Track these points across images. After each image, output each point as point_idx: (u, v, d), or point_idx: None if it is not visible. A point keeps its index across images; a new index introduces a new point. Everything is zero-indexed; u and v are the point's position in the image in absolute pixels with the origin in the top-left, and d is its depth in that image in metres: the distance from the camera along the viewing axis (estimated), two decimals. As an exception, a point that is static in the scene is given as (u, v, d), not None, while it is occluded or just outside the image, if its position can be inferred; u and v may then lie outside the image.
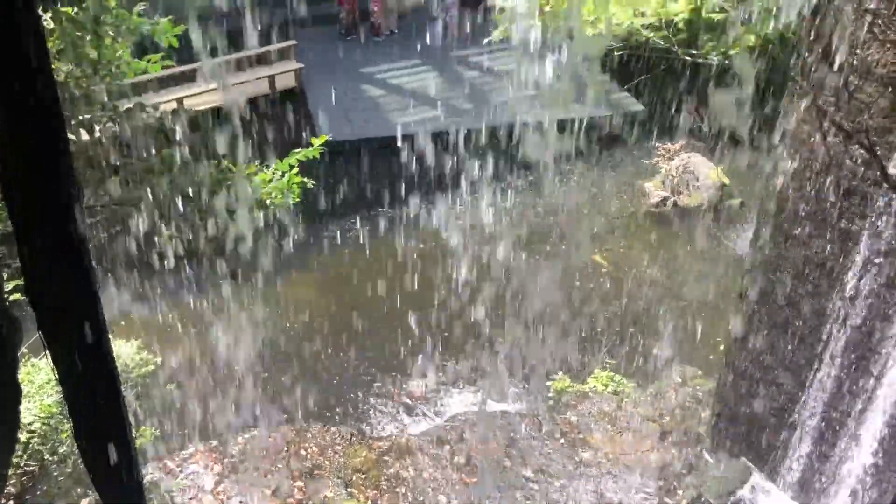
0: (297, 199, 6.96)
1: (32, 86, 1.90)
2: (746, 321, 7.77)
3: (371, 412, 10.44)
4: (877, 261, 6.23)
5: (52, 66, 2.55)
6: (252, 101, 15.90)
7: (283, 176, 6.95)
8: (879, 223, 6.11)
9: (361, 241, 13.98)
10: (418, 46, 18.37)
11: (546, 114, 15.43)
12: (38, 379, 7.49)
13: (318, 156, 7.43)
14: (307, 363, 11.03)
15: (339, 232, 14.13)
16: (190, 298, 11.20)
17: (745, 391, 7.98)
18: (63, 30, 4.88)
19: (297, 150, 7.33)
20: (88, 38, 5.06)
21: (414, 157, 14.43)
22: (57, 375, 2.45)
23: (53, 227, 2.06)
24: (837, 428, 7.09)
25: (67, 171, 2.11)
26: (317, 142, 7.58)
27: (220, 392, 9.90)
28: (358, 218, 14.52)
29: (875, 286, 6.31)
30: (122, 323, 10.56)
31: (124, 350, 8.36)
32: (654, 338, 11.50)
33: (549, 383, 10.51)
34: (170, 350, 10.19)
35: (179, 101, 14.25)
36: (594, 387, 10.26)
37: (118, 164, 5.99)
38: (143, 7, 5.79)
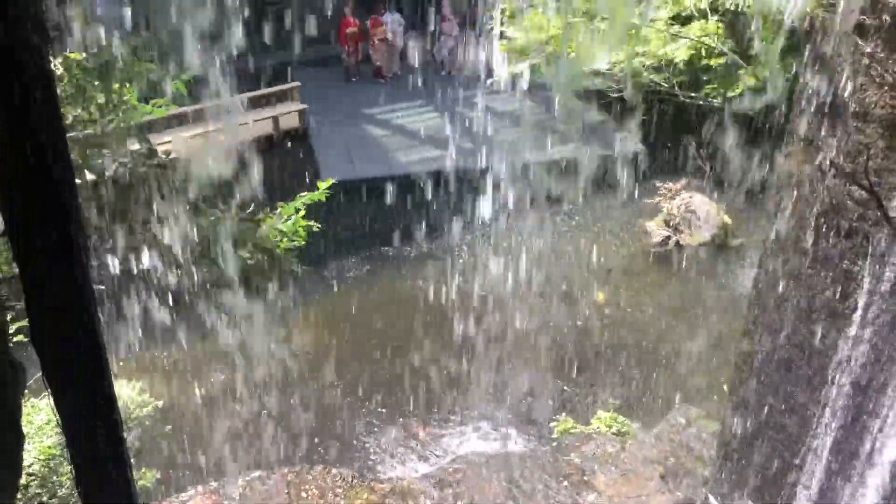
0: (303, 242, 7.00)
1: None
2: (749, 362, 7.74)
3: (373, 454, 10.36)
4: (880, 302, 6.22)
5: (61, 110, 2.58)
6: (256, 142, 16.04)
7: (288, 219, 7.00)
8: (882, 264, 6.12)
9: (363, 281, 14.00)
10: (420, 87, 18.58)
11: (547, 153, 15.56)
12: (38, 420, 7.45)
13: (323, 198, 7.48)
14: (308, 404, 10.97)
15: (340, 271, 14.15)
16: (192, 340, 11.17)
17: (750, 433, 7.91)
18: (72, 76, 4.96)
19: (302, 194, 7.38)
20: (97, 83, 5.15)
21: (416, 197, 14.52)
22: (58, 417, 2.44)
23: (61, 274, 2.08)
24: (845, 471, 7.02)
25: (76, 214, 2.12)
26: (323, 185, 7.65)
27: (220, 433, 9.84)
28: (360, 257, 14.55)
29: (879, 328, 6.29)
30: (122, 364, 10.53)
31: (125, 391, 8.33)
32: (658, 378, 11.44)
33: (552, 424, 10.43)
34: (170, 391, 10.15)
35: (184, 141, 14.36)
36: (597, 428, 10.18)
37: (123, 207, 6.03)
38: (151, 54, 5.89)
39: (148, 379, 9.53)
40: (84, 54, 5.20)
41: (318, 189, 7.61)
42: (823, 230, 6.64)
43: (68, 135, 3.15)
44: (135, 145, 6.03)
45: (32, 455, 7.05)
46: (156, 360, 11.18)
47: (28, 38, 1.87)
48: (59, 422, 2.45)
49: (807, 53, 6.83)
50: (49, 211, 2.07)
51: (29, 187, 2.02)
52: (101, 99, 5.31)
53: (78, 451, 2.55)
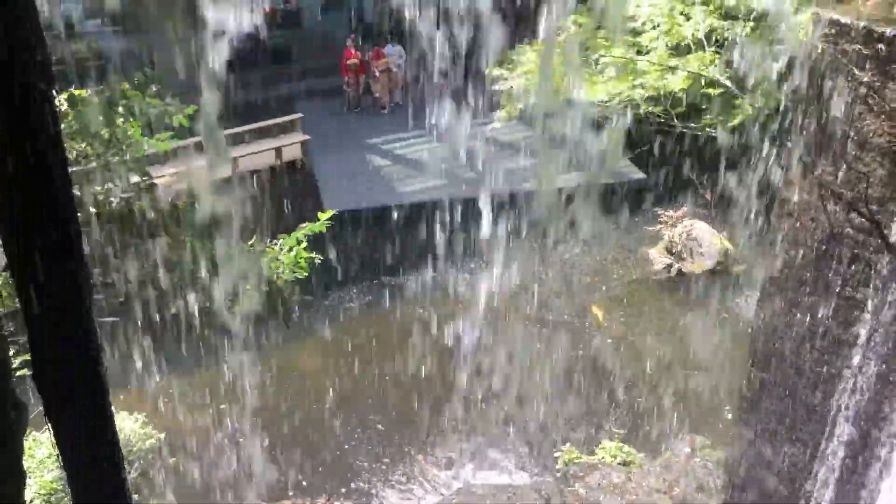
0: (305, 274, 7.01)
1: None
2: (754, 390, 7.70)
3: (377, 485, 10.27)
4: (884, 330, 6.20)
5: (65, 145, 2.61)
6: (259, 173, 16.15)
7: (290, 251, 7.01)
8: (884, 292, 6.11)
9: (365, 311, 13.98)
10: (421, 119, 18.72)
11: (548, 182, 15.61)
12: (39, 454, 7.41)
13: (324, 229, 7.50)
14: (311, 435, 10.91)
15: (342, 301, 14.14)
16: (193, 371, 11.16)
17: (756, 461, 7.84)
18: (77, 112, 5.01)
19: (303, 225, 7.40)
20: (101, 118, 5.20)
21: (416, 226, 14.55)
22: (59, 452, 2.43)
23: (65, 314, 2.08)
24: (852, 501, 6.94)
25: (81, 264, 2.13)
26: (323, 216, 7.67)
27: (221, 466, 9.78)
28: (361, 287, 14.54)
29: (883, 355, 6.26)
30: (122, 397, 10.49)
31: (127, 424, 8.29)
32: (663, 406, 11.37)
33: (557, 454, 10.35)
34: (171, 423, 10.10)
35: (186, 173, 14.43)
36: (602, 458, 10.10)
37: (123, 239, 6.05)
38: (155, 88, 5.96)
39: (150, 411, 9.49)
40: (88, 90, 5.25)
41: (318, 220, 7.64)
42: (825, 258, 6.64)
43: (71, 169, 3.16)
44: (136, 178, 6.07)
45: (33, 490, 7.00)
46: (157, 391, 11.14)
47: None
48: (60, 456, 2.44)
49: (804, 83, 6.89)
50: (49, 239, 2.09)
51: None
52: (105, 134, 5.36)
53: (79, 485, 2.54)
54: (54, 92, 2.00)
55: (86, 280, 2.19)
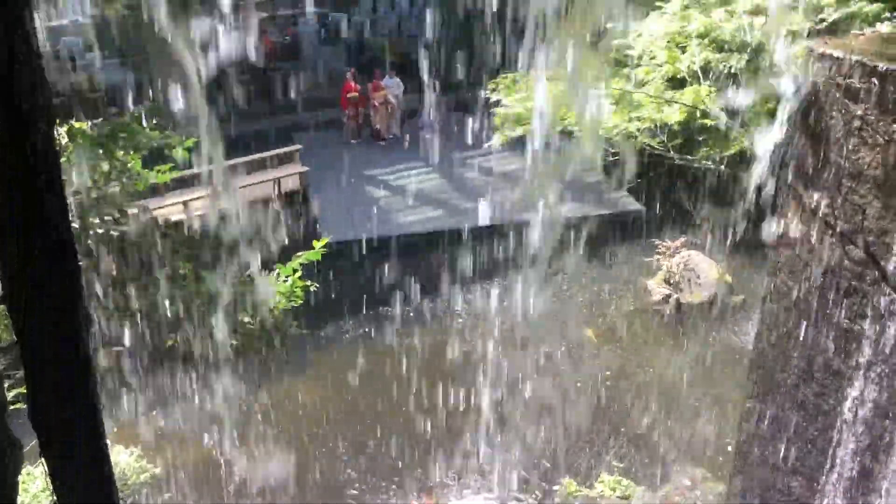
0: (301, 302, 7.00)
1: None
2: (753, 422, 7.66)
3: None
4: (883, 362, 6.19)
5: (64, 178, 2.61)
6: (258, 203, 16.18)
7: (286, 280, 7.02)
8: (883, 324, 6.11)
9: (361, 341, 13.92)
10: (420, 149, 18.83)
11: (545, 213, 15.65)
12: (33, 488, 7.34)
13: (319, 258, 7.51)
14: (307, 465, 10.81)
15: (337, 331, 14.10)
16: (190, 403, 11.08)
17: (757, 495, 7.78)
18: (77, 146, 5.04)
19: (299, 254, 7.41)
20: (101, 151, 5.23)
21: (414, 256, 14.56)
22: (53, 489, 2.41)
23: (61, 348, 2.08)
24: (854, 534, 6.88)
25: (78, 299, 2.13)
26: (318, 244, 7.68)
27: (215, 498, 9.68)
28: (357, 317, 14.50)
29: (883, 388, 6.25)
30: (115, 430, 10.40)
31: (122, 458, 8.22)
32: (662, 439, 11.29)
33: (555, 488, 10.26)
34: (166, 456, 10.02)
35: (186, 204, 14.50)
36: (602, 491, 10.01)
37: (123, 272, 6.06)
38: (156, 120, 6.00)
39: (144, 445, 9.42)
40: (89, 123, 5.29)
41: (314, 249, 7.65)
42: (822, 290, 6.65)
43: (70, 199, 3.16)
44: (134, 210, 6.09)
45: (26, 524, 6.93)
46: (152, 424, 11.06)
47: (30, 81, 1.90)
48: (55, 493, 2.42)
49: (799, 116, 6.95)
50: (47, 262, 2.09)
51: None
52: (105, 166, 5.39)
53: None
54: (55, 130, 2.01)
55: (83, 315, 2.18)
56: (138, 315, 6.08)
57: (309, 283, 7.22)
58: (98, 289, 5.79)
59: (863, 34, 8.03)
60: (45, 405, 2.15)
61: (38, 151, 1.95)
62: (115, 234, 5.89)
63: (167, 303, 5.91)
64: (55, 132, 2.13)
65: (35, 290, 2.10)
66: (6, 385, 4.85)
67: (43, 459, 2.32)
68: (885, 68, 5.91)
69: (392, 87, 20.69)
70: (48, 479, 2.38)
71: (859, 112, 6.14)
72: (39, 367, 2.17)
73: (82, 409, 2.22)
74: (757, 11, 10.67)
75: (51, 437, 2.27)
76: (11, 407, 5.06)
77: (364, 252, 15.42)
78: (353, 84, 20.39)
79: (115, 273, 5.76)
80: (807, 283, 6.83)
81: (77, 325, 2.09)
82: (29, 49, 1.89)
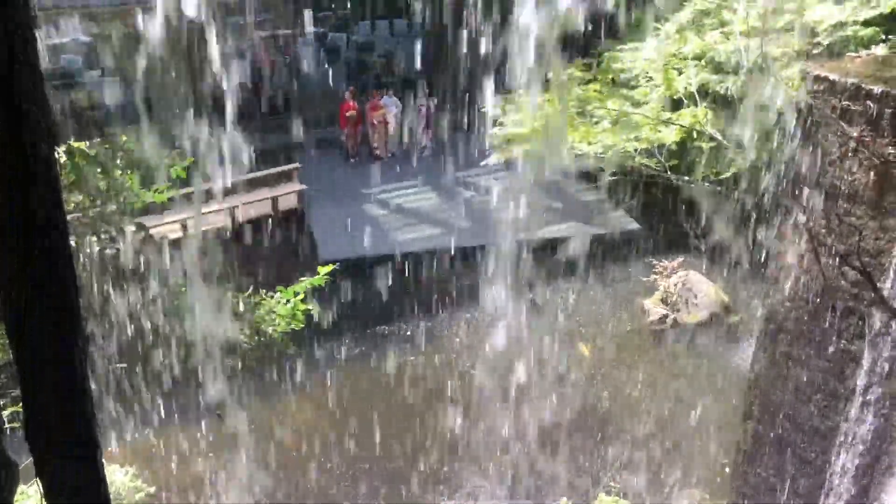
0: (301, 326, 6.99)
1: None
2: (751, 443, 7.64)
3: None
4: (880, 383, 6.18)
5: (64, 197, 2.62)
6: (255, 222, 16.21)
7: (287, 303, 7.02)
8: (879, 345, 6.11)
9: (358, 361, 13.88)
10: (418, 168, 18.89)
11: (543, 231, 15.69)
12: (28, 508, 7.28)
13: (322, 283, 7.52)
14: (305, 490, 10.74)
15: (334, 351, 14.05)
16: (186, 423, 11.04)
17: (755, 517, 7.74)
18: (75, 164, 5.06)
19: (303, 279, 7.41)
20: (99, 171, 5.25)
21: (411, 275, 14.55)
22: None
23: (59, 369, 2.08)
24: (852, 557, 6.84)
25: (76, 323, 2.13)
26: (323, 270, 7.68)
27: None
28: (354, 337, 14.47)
29: (880, 408, 6.24)
30: (111, 450, 10.35)
31: (118, 477, 8.17)
32: (660, 459, 11.25)
33: (553, 508, 10.21)
34: (162, 476, 9.96)
35: (183, 223, 14.49)
36: (599, 512, 9.96)
37: (117, 288, 6.05)
38: (154, 139, 6.02)
39: (139, 463, 9.36)
40: (87, 142, 5.31)
41: (317, 271, 7.65)
42: (819, 310, 6.66)
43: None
44: (131, 228, 6.09)
45: (20, 545, 6.86)
46: (148, 443, 11.00)
47: (34, 105, 1.91)
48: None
49: (796, 137, 6.99)
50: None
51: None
52: (102, 185, 5.40)
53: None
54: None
55: (81, 334, 2.18)
56: (134, 334, 6.07)
57: (310, 307, 7.22)
58: (95, 307, 5.78)
59: (858, 57, 8.10)
60: (41, 423, 2.15)
61: (38, 153, 1.96)
62: (111, 252, 5.89)
63: (164, 322, 5.90)
64: (55, 140, 2.14)
65: (32, 305, 2.10)
66: (2, 403, 4.83)
67: (38, 479, 2.31)
68: (880, 91, 5.96)
69: (390, 106, 20.79)
70: (43, 499, 2.37)
71: (855, 134, 6.18)
72: (36, 386, 2.17)
73: (78, 428, 2.21)
74: (752, 33, 10.75)
75: (46, 456, 2.26)
76: (8, 425, 5.04)
77: (362, 270, 15.43)
78: (351, 103, 20.49)
79: (111, 291, 5.76)
80: (804, 303, 6.84)
81: (74, 344, 2.09)
82: (29, 49, 1.90)
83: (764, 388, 7.38)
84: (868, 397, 6.31)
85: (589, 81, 11.42)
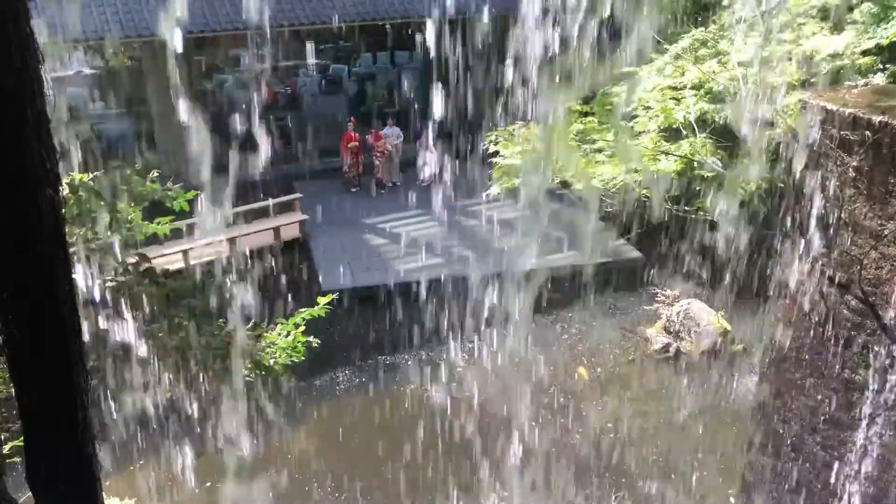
0: (301, 358, 6.97)
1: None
2: (755, 474, 7.57)
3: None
4: (885, 413, 6.15)
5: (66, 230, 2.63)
6: (257, 252, 16.24)
7: (288, 335, 7.01)
8: (884, 374, 6.08)
9: (357, 391, 13.81)
10: (420, 198, 18.95)
11: (545, 261, 15.69)
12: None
13: (324, 314, 7.50)
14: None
15: (334, 381, 13.99)
16: (186, 454, 10.95)
17: (762, 550, 7.65)
18: (78, 198, 5.08)
19: (302, 310, 7.41)
20: (102, 203, 5.27)
21: (413, 305, 14.52)
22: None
23: (60, 412, 2.07)
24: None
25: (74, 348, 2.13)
26: (322, 300, 7.68)
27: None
28: (355, 367, 14.41)
29: (885, 438, 6.19)
30: (108, 483, 10.26)
31: (117, 510, 8.10)
32: (664, 490, 11.14)
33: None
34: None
35: (185, 253, 14.53)
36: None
37: (119, 318, 6.04)
38: (157, 173, 6.06)
39: (139, 496, 9.27)
40: (90, 174, 5.34)
41: (317, 303, 7.65)
42: (822, 339, 6.63)
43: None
44: (133, 259, 6.10)
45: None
46: (148, 475, 10.92)
47: (39, 151, 1.93)
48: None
49: (795, 167, 7.02)
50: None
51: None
52: (105, 218, 5.43)
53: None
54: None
55: (83, 371, 2.18)
56: (135, 366, 6.05)
57: (311, 338, 7.20)
58: (95, 340, 5.77)
59: (856, 86, 8.16)
60: (41, 460, 2.14)
61: (43, 195, 1.98)
62: (113, 284, 5.89)
63: (163, 354, 5.89)
64: (59, 181, 2.15)
65: (34, 342, 2.10)
66: (2, 437, 4.81)
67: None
68: (878, 121, 5.99)
69: (391, 136, 20.93)
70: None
71: (854, 163, 6.20)
72: (36, 424, 2.16)
73: (78, 465, 2.21)
74: (750, 63, 10.84)
75: (46, 492, 2.25)
76: (8, 461, 5.02)
77: (362, 300, 15.41)
78: (353, 134, 20.63)
79: (110, 324, 5.75)
80: (807, 332, 6.82)
81: (76, 381, 2.08)
82: (36, 95, 1.93)
83: (767, 418, 7.33)
84: (874, 428, 6.27)
85: (587, 114, 11.50)
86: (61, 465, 2.12)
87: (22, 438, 2.26)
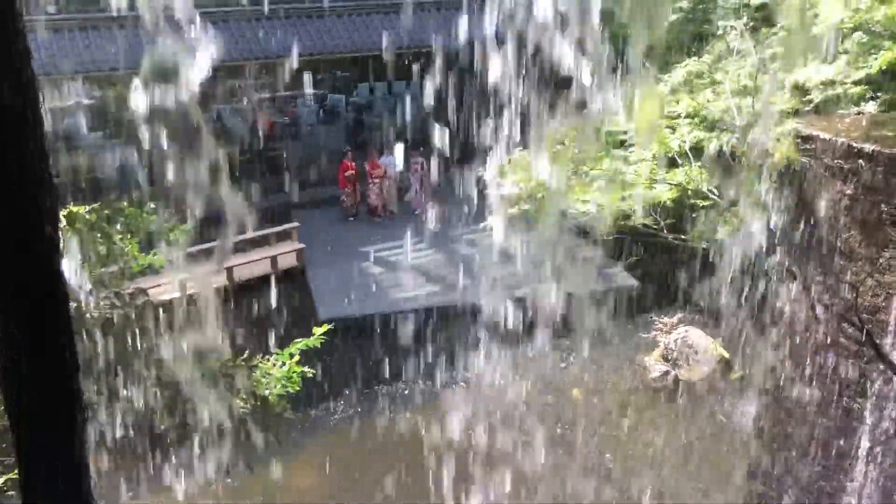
0: (297, 389, 6.93)
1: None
2: (755, 503, 7.52)
3: None
4: (884, 442, 6.13)
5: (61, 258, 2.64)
6: (254, 281, 16.22)
7: (283, 365, 6.97)
8: (882, 403, 6.07)
9: (354, 422, 13.72)
10: (417, 226, 18.99)
11: (542, 289, 15.67)
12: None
13: (319, 344, 7.48)
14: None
15: (330, 411, 13.90)
16: (179, 488, 10.83)
17: (763, 581, 7.57)
18: (75, 230, 5.09)
19: (297, 340, 7.38)
20: (99, 236, 5.28)
21: (409, 333, 14.49)
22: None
23: (58, 450, 2.07)
24: None
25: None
26: (318, 331, 7.66)
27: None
28: (352, 396, 14.33)
29: (886, 468, 6.16)
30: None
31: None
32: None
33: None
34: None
35: (181, 283, 14.48)
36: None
37: (115, 350, 6.02)
38: (153, 205, 6.07)
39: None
40: (87, 207, 5.36)
41: (313, 333, 7.62)
42: (820, 368, 6.63)
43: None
44: (130, 289, 6.10)
45: None
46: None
47: (38, 192, 1.94)
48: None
49: (790, 195, 7.06)
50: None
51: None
52: (102, 250, 5.43)
53: None
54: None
55: (80, 408, 2.18)
56: (130, 399, 6.02)
57: (307, 368, 7.17)
58: (93, 372, 5.75)
59: (848, 114, 8.24)
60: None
61: (42, 234, 1.99)
62: (110, 316, 5.88)
63: (160, 386, 5.86)
64: (58, 218, 2.17)
65: (30, 379, 2.10)
66: (-4, 472, 4.77)
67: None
68: (870, 150, 6.05)
69: (389, 165, 21.01)
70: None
71: (848, 192, 6.25)
72: (33, 462, 2.15)
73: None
74: (744, 92, 10.94)
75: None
76: (3, 494, 4.98)
77: (360, 329, 15.36)
78: (350, 163, 20.72)
79: (105, 356, 5.73)
80: (804, 360, 6.81)
81: (73, 419, 2.08)
82: (37, 136, 1.94)
83: (766, 447, 7.30)
84: (873, 457, 6.24)
85: (584, 142, 11.56)
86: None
87: (18, 476, 2.26)
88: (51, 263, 2.05)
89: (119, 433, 6.78)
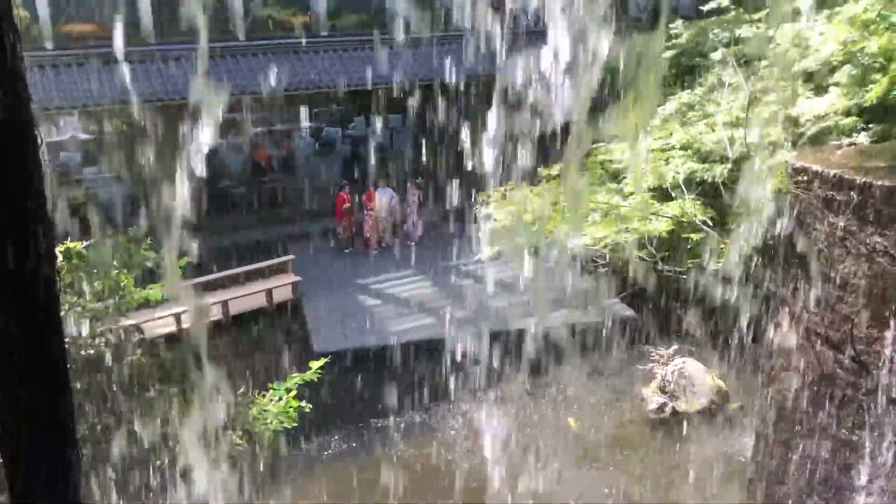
0: (293, 424, 6.89)
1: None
2: (757, 538, 7.45)
3: None
4: (884, 474, 6.09)
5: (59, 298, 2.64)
6: (249, 315, 16.19)
7: (279, 400, 6.94)
8: (881, 435, 6.05)
9: (350, 455, 13.60)
10: (413, 258, 19.01)
11: (538, 321, 15.67)
12: None
13: (315, 378, 7.46)
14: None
15: (324, 446, 13.78)
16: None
17: None
18: (72, 266, 5.09)
19: (293, 375, 7.36)
20: (95, 271, 5.28)
21: (405, 367, 14.43)
22: None
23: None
24: None
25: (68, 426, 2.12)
26: (315, 365, 7.64)
27: None
28: (346, 431, 14.22)
29: (885, 500, 6.12)
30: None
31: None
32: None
33: None
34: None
35: (177, 317, 14.45)
36: None
37: (108, 386, 5.99)
38: (150, 240, 6.09)
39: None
40: (83, 242, 5.36)
41: (309, 367, 7.60)
42: (817, 399, 6.61)
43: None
44: (125, 323, 6.08)
45: None
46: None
47: (37, 231, 1.95)
48: None
49: (784, 227, 7.10)
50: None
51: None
52: (98, 286, 5.43)
53: None
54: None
55: (74, 449, 2.17)
56: (125, 435, 5.97)
57: (303, 403, 7.13)
58: (87, 408, 5.71)
59: (840, 146, 8.31)
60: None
61: (40, 275, 2.00)
62: (105, 351, 5.86)
63: (155, 423, 5.82)
64: (56, 260, 2.18)
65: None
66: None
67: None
68: (863, 181, 6.09)
69: (384, 197, 21.09)
70: None
71: (842, 223, 6.28)
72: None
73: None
74: (736, 124, 11.06)
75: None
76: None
77: (356, 361, 15.30)
78: (346, 196, 20.79)
79: (99, 392, 5.70)
80: (802, 392, 6.79)
81: (67, 459, 2.07)
82: (35, 178, 1.96)
83: (766, 481, 7.25)
84: (873, 490, 6.20)
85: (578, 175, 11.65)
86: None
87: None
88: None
89: (105, 473, 6.73)
